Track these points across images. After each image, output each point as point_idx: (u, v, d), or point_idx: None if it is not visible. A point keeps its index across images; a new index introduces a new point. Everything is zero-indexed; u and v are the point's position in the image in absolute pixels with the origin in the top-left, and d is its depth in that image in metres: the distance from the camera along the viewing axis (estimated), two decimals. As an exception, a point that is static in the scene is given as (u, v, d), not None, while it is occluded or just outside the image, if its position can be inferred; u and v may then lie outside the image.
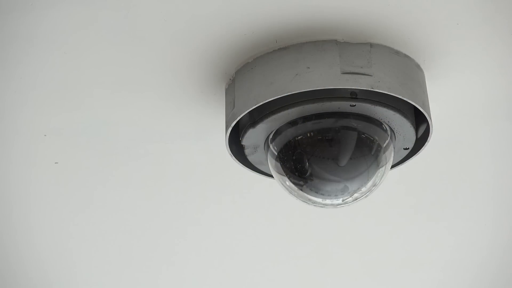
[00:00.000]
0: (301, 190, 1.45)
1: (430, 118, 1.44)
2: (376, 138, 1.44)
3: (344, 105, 1.40)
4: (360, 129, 1.43)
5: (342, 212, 1.83)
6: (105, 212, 1.83)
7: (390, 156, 1.47)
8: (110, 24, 1.40)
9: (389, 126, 1.45)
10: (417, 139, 1.49)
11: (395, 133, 1.47)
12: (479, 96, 1.56)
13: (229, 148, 1.48)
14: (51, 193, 1.77)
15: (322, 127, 1.42)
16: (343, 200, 1.46)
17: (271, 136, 1.46)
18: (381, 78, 1.38)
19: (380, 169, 1.45)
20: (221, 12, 1.38)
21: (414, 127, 1.46)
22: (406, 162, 1.55)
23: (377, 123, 1.44)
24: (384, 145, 1.45)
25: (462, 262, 2.00)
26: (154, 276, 2.01)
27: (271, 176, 1.53)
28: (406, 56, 1.44)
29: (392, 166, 1.52)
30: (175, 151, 1.67)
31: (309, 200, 1.47)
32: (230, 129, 1.45)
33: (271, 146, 1.47)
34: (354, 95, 1.40)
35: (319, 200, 1.46)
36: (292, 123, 1.43)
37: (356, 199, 1.47)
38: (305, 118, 1.42)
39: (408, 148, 1.51)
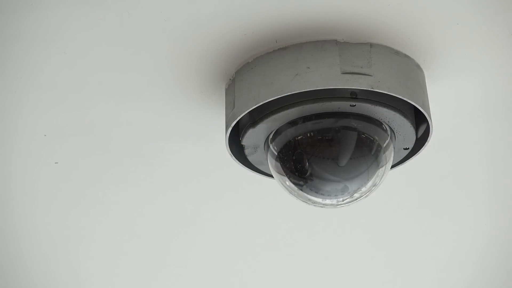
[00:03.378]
0: (301, 190, 1.45)
1: (430, 118, 1.44)
2: (376, 138, 1.44)
3: (344, 105, 1.40)
4: (360, 129, 1.43)
5: (342, 212, 1.83)
6: (104, 212, 1.83)
7: (390, 156, 1.47)
8: (110, 24, 1.40)
9: (389, 126, 1.45)
10: (417, 139, 1.49)
11: (395, 133, 1.46)
12: (479, 96, 1.56)
13: (229, 148, 1.48)
14: (51, 193, 1.77)
15: (322, 127, 1.42)
16: (343, 200, 1.46)
17: (271, 136, 1.46)
18: (381, 78, 1.38)
19: (380, 169, 1.45)
20: (221, 12, 1.38)
21: (414, 127, 1.46)
22: (406, 162, 1.55)
23: (377, 123, 1.44)
24: (384, 145, 1.45)
25: (461, 261, 2.00)
26: (154, 275, 2.01)
27: (271, 176, 1.53)
28: (406, 56, 1.44)
29: (392, 166, 1.52)
30: (175, 152, 1.67)
31: (309, 200, 1.46)
32: (230, 129, 1.45)
33: (271, 146, 1.47)
34: (354, 95, 1.40)
35: (319, 200, 1.46)
36: (292, 123, 1.43)
37: (356, 199, 1.47)
38: (305, 118, 1.42)
39: (408, 148, 1.51)
